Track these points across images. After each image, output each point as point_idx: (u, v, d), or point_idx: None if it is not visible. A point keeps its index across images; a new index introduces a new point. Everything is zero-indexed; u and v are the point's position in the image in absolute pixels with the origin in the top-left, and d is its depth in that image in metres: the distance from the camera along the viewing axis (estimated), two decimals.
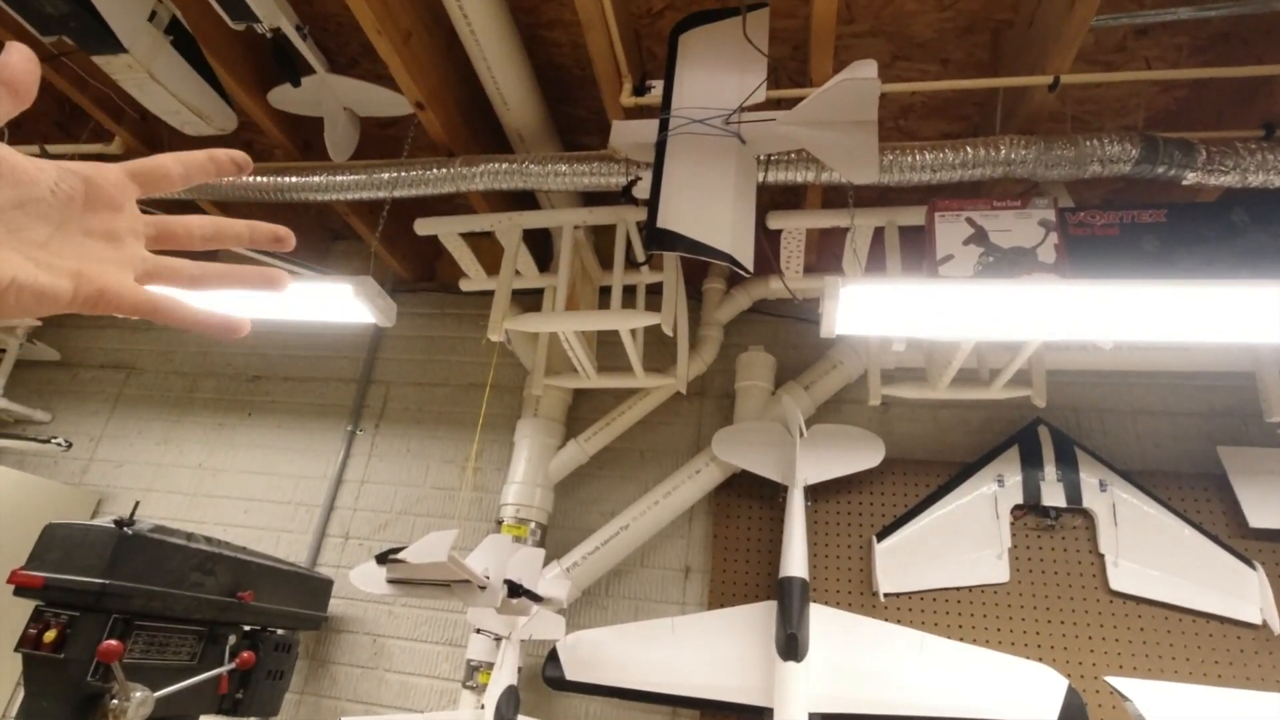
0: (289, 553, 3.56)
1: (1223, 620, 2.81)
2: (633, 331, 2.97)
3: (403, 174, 2.90)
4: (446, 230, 3.04)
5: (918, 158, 2.58)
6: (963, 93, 2.88)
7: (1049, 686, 2.56)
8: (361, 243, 3.96)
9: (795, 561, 2.85)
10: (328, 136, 2.90)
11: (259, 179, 3.03)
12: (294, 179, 3.00)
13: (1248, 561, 2.84)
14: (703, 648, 2.87)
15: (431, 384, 3.84)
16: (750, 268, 2.24)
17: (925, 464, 3.25)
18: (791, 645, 2.69)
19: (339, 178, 2.96)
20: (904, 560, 3.04)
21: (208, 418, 4.04)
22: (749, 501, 3.27)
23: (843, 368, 3.33)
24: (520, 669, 3.01)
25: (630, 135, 2.41)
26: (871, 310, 2.28)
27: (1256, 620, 2.77)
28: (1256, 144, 2.48)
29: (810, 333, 3.55)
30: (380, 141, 3.44)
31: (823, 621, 2.86)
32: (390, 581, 2.17)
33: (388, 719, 2.74)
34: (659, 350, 3.44)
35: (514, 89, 2.71)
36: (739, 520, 3.25)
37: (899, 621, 2.92)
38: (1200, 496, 3.03)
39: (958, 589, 3.00)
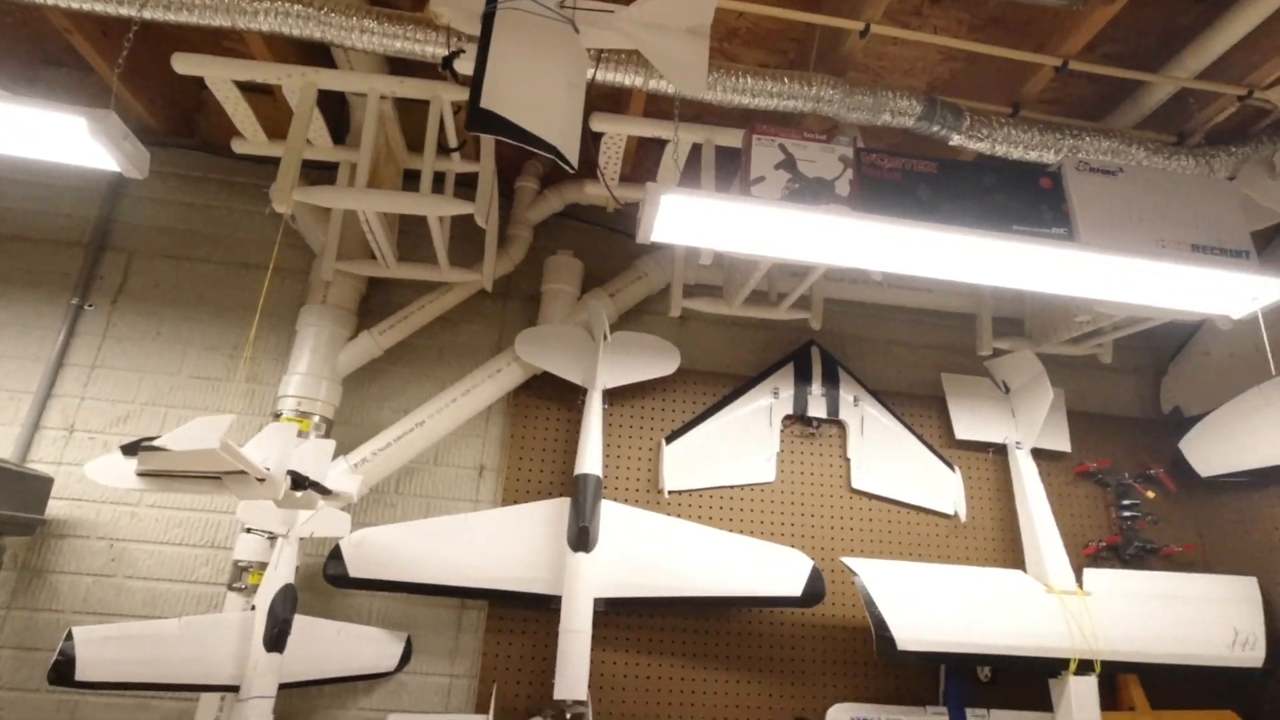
0: None
1: (929, 512, 3.45)
2: (441, 221, 2.78)
3: None
4: (219, 74, 2.56)
5: (741, 80, 2.65)
6: (783, 26, 2.98)
7: (798, 567, 2.97)
8: (91, 74, 3.16)
9: (590, 460, 2.96)
10: None
11: None
12: None
13: (950, 465, 3.49)
14: (496, 542, 2.91)
15: (192, 259, 3.30)
16: (575, 164, 2.17)
17: (715, 375, 3.51)
18: (583, 537, 2.82)
19: None
20: (688, 461, 3.30)
21: None
22: (547, 403, 3.31)
23: (648, 279, 3.43)
24: (298, 568, 2.84)
25: (456, 0, 2.18)
26: (686, 221, 2.34)
27: (951, 511, 3.44)
28: (1005, 119, 2.90)
29: (619, 242, 3.60)
30: None
31: (612, 516, 3.03)
32: (142, 475, 1.89)
33: (132, 625, 2.44)
34: (464, 246, 3.27)
35: None
36: (536, 421, 3.29)
37: (681, 516, 3.19)
38: (925, 413, 3.64)
39: (733, 487, 3.33)
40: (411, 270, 3.06)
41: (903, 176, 2.49)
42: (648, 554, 2.97)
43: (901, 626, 2.84)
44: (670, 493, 3.26)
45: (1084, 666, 2.92)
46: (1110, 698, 3.26)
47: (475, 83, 2.10)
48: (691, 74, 2.35)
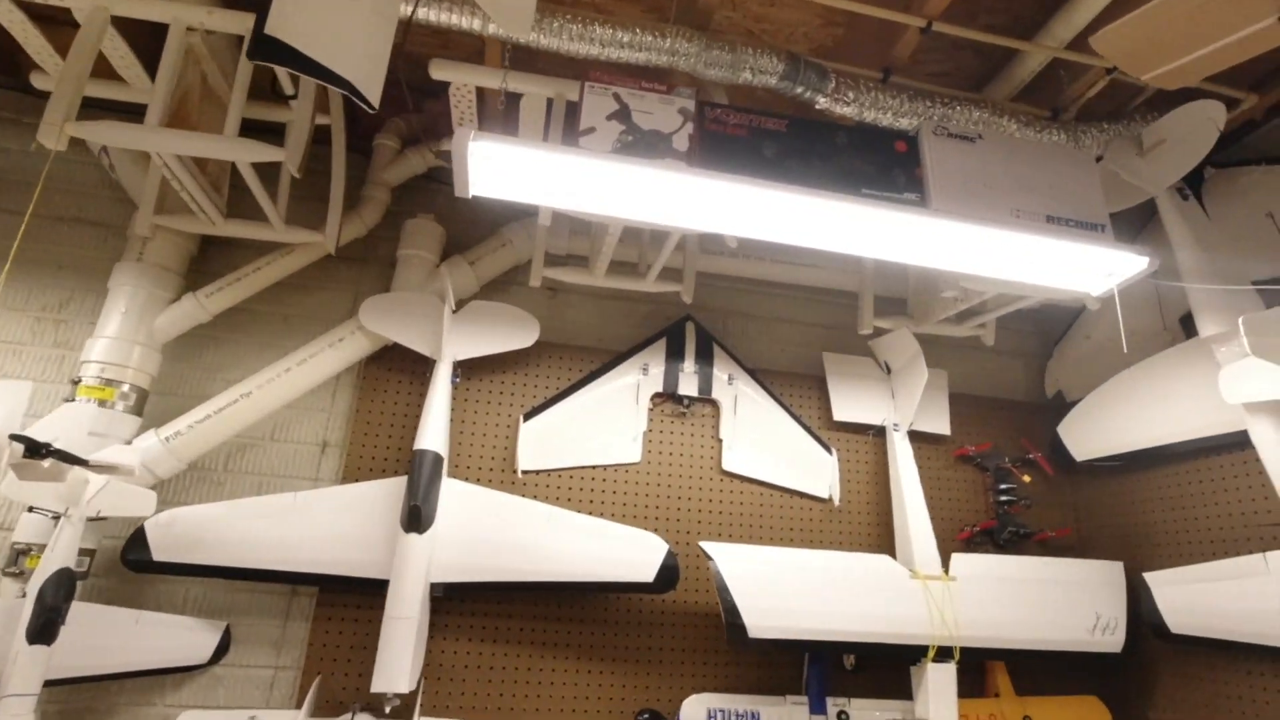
0: None
1: (803, 495, 3.33)
2: (265, 173, 2.53)
3: None
4: None
5: (589, 29, 2.46)
6: None
7: (652, 551, 2.82)
8: None
9: (431, 435, 2.76)
10: None
11: None
12: None
13: (827, 448, 3.38)
14: (327, 523, 2.69)
15: None
16: (375, 103, 1.96)
17: (583, 350, 3.33)
18: (414, 517, 2.62)
19: None
20: (547, 440, 3.12)
21: None
22: (399, 376, 3.09)
23: (512, 247, 3.23)
24: (94, 551, 2.58)
25: None
26: (510, 174, 2.16)
27: (825, 495, 3.33)
28: (874, 84, 2.78)
29: (485, 209, 3.37)
30: None
31: (457, 496, 2.83)
32: None
33: None
34: (316, 207, 3.01)
35: None
36: (387, 394, 3.07)
37: (538, 497, 3.00)
38: (805, 393, 3.52)
39: (596, 467, 3.16)
40: (241, 228, 2.80)
41: (748, 133, 2.33)
42: (493, 536, 2.79)
43: (754, 613, 2.71)
44: (526, 472, 3.07)
45: (943, 653, 2.84)
46: (978, 685, 3.20)
47: (261, 6, 1.88)
48: (517, 14, 2.16)
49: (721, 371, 3.35)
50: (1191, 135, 2.81)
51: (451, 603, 2.86)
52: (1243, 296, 2.68)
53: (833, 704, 2.93)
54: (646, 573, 2.78)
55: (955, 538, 3.40)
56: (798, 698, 2.93)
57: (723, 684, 3.02)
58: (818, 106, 2.76)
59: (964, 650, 2.85)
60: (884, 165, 2.41)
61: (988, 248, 2.42)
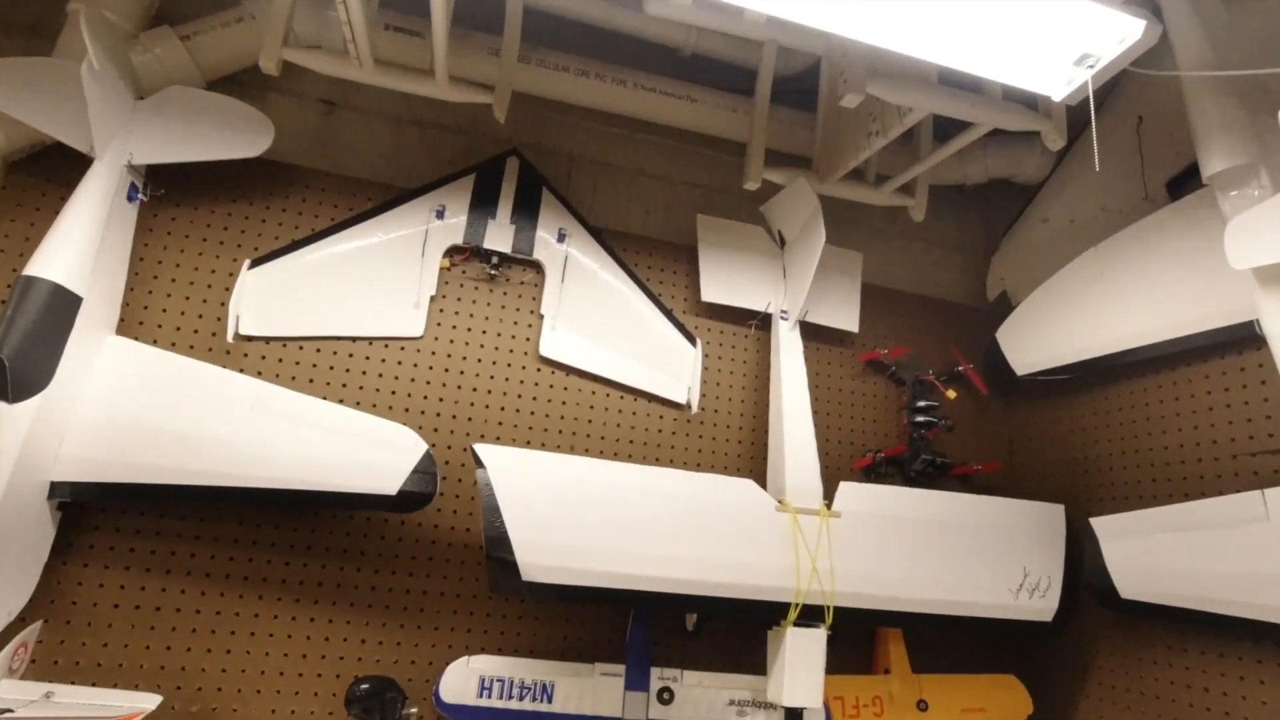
0: None
1: (650, 397, 2.47)
2: None
3: None
4: None
5: None
6: None
7: (402, 452, 1.94)
8: None
9: (52, 258, 1.80)
10: None
11: None
12: None
13: (690, 337, 2.51)
14: None
15: None
16: None
17: (359, 183, 2.39)
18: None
19: None
20: (283, 297, 2.19)
21: None
22: (57, 187, 2.10)
23: (254, 25, 2.23)
24: None
25: None
26: None
27: (682, 400, 2.48)
28: None
29: None
30: None
31: (115, 359, 1.92)
32: None
33: None
34: None
35: None
36: (29, 210, 2.09)
37: (258, 374, 2.09)
38: (669, 267, 2.64)
39: (353, 339, 2.25)
40: None
41: None
42: (166, 421, 1.88)
43: (533, 547, 1.85)
44: (244, 337, 2.15)
45: (810, 614, 2.03)
46: (864, 658, 2.43)
47: None
48: None
49: (550, 227, 2.44)
50: None
51: (98, 515, 1.95)
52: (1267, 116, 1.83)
53: (658, 676, 2.12)
54: (389, 481, 1.90)
55: (852, 465, 2.59)
56: (612, 666, 2.11)
57: (509, 644, 2.19)
58: None
59: (841, 611, 2.05)
60: None
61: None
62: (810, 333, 2.59)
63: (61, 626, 1.88)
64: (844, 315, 2.66)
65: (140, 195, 2.06)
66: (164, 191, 2.16)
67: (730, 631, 2.32)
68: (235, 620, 2.00)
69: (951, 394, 2.65)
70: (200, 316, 2.15)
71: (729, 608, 2.04)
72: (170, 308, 2.14)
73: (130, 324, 2.07)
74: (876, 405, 2.70)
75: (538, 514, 1.91)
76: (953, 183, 2.88)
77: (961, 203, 3.02)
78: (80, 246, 1.86)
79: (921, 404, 2.64)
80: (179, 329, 2.13)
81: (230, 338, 2.10)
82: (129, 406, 1.90)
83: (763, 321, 2.59)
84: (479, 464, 1.91)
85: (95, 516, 1.95)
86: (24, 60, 2.00)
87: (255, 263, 2.18)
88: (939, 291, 2.96)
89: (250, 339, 2.15)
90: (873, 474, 2.58)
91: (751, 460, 2.51)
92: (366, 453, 1.95)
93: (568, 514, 1.96)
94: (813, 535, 2.12)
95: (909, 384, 2.69)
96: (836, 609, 2.05)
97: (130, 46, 2.16)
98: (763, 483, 2.22)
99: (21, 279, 1.76)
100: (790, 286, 2.55)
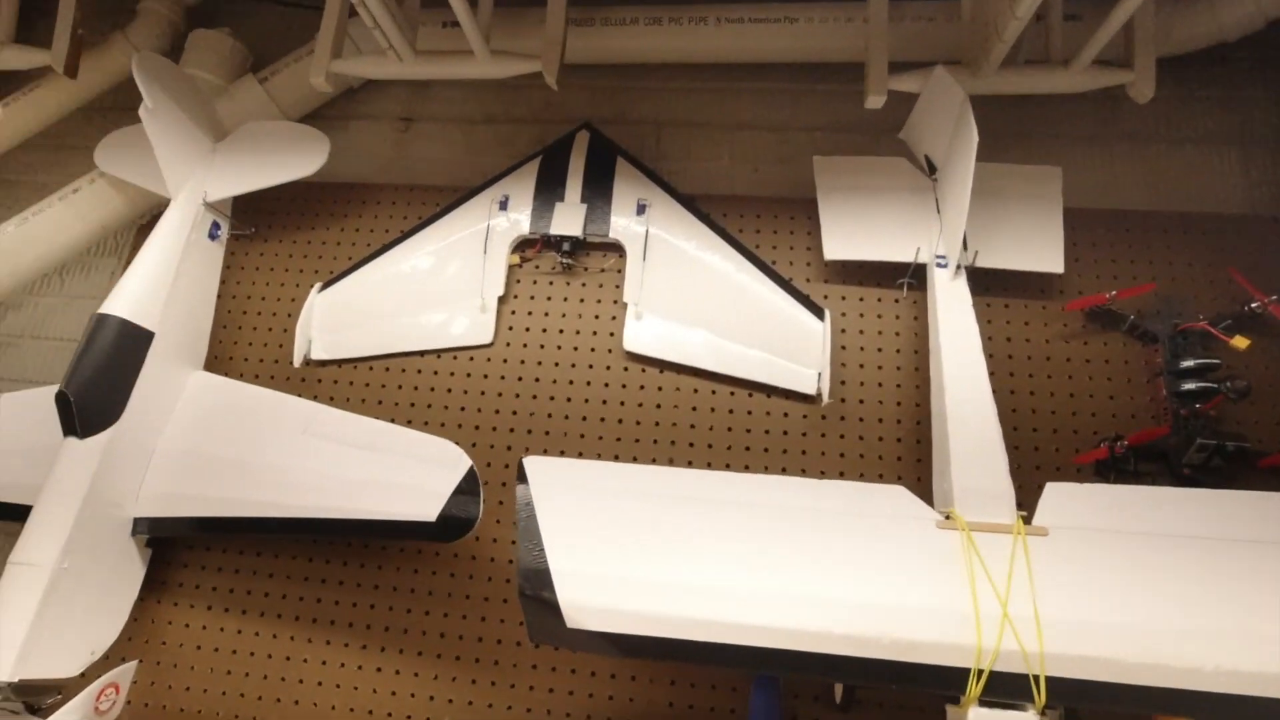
0: None
1: (768, 390, 1.92)
2: None
3: None
4: None
5: None
6: None
7: (444, 471, 1.65)
8: None
9: (123, 296, 1.85)
10: None
11: None
12: None
13: (817, 311, 1.93)
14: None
15: None
16: None
17: (426, 190, 2.25)
18: (65, 411, 1.72)
19: None
20: (348, 317, 2.08)
21: None
22: None
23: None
24: None
25: None
26: None
27: (811, 390, 1.89)
28: None
29: (303, 19, 2.40)
30: None
31: (198, 395, 1.92)
32: None
33: None
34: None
35: None
36: None
37: (333, 401, 1.99)
38: (788, 228, 2.10)
39: (421, 353, 2.06)
40: None
41: None
42: (222, 451, 1.82)
43: (581, 583, 1.42)
44: (314, 362, 2.05)
45: (1008, 686, 1.32)
46: None
47: None
48: None
49: (627, 200, 2.06)
50: None
51: (186, 552, 1.93)
52: None
53: None
54: (428, 505, 1.62)
55: (1072, 460, 1.77)
56: None
57: (599, 708, 1.75)
58: None
59: (1059, 684, 1.31)
60: None
61: None
62: (987, 281, 1.88)
63: (152, 667, 1.86)
64: (1039, 252, 1.88)
65: (221, 232, 2.09)
66: (254, 230, 2.21)
67: (904, 704, 1.65)
68: (303, 667, 1.83)
69: (1240, 343, 1.72)
70: (281, 346, 2.12)
71: (874, 672, 1.40)
72: (255, 340, 2.13)
73: (222, 360, 2.09)
74: (1107, 372, 1.85)
75: (593, 541, 1.49)
76: (1203, 44, 1.97)
77: (1223, 73, 2.07)
78: (151, 284, 1.90)
79: (1189, 364, 1.75)
80: (261, 360, 2.11)
81: (297, 363, 2.01)
82: (201, 440, 1.87)
83: (912, 275, 1.92)
84: (521, 478, 1.55)
85: (185, 554, 1.93)
86: (133, 128, 2.15)
87: (325, 285, 2.10)
88: (1197, 204, 2.02)
89: (322, 363, 2.06)
90: (1115, 472, 1.74)
91: (916, 464, 1.83)
92: (405, 472, 1.70)
93: (636, 541, 1.51)
94: (1000, 563, 1.41)
95: (1163, 337, 1.81)
96: (1051, 680, 1.31)
97: (218, 97, 2.27)
98: (921, 491, 1.56)
99: (93, 316, 1.82)
100: (948, 222, 1.86)
